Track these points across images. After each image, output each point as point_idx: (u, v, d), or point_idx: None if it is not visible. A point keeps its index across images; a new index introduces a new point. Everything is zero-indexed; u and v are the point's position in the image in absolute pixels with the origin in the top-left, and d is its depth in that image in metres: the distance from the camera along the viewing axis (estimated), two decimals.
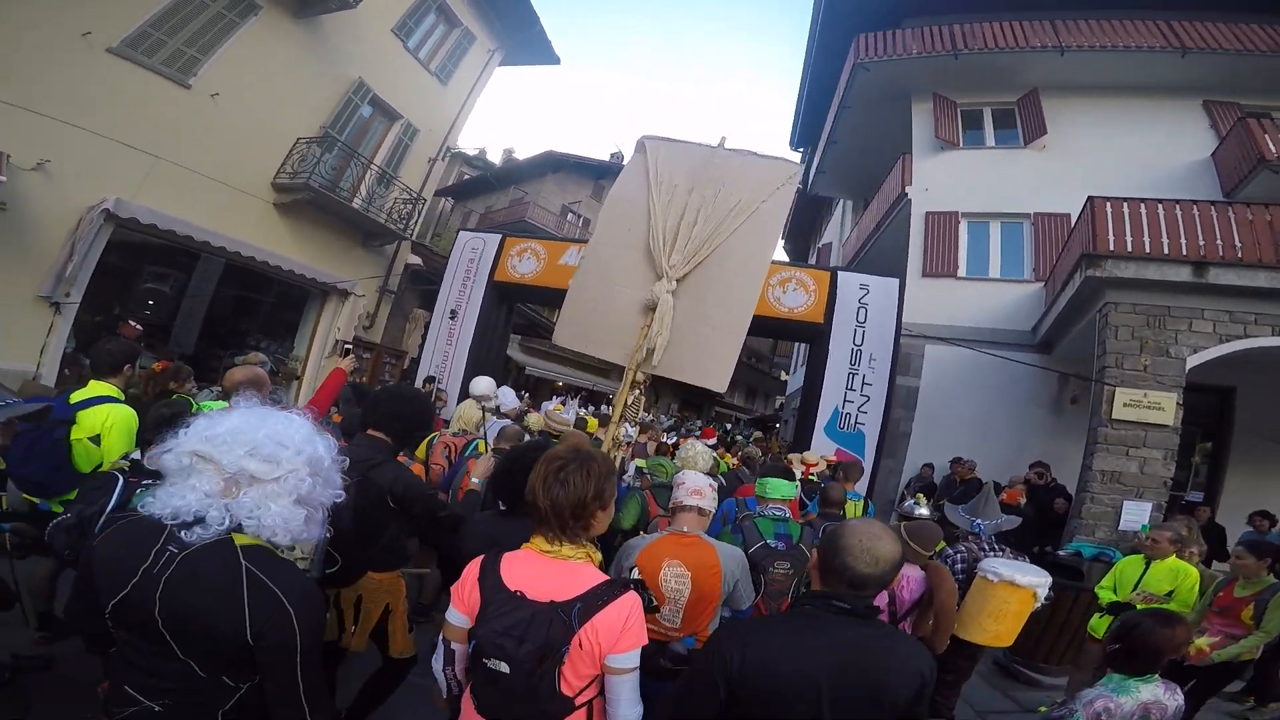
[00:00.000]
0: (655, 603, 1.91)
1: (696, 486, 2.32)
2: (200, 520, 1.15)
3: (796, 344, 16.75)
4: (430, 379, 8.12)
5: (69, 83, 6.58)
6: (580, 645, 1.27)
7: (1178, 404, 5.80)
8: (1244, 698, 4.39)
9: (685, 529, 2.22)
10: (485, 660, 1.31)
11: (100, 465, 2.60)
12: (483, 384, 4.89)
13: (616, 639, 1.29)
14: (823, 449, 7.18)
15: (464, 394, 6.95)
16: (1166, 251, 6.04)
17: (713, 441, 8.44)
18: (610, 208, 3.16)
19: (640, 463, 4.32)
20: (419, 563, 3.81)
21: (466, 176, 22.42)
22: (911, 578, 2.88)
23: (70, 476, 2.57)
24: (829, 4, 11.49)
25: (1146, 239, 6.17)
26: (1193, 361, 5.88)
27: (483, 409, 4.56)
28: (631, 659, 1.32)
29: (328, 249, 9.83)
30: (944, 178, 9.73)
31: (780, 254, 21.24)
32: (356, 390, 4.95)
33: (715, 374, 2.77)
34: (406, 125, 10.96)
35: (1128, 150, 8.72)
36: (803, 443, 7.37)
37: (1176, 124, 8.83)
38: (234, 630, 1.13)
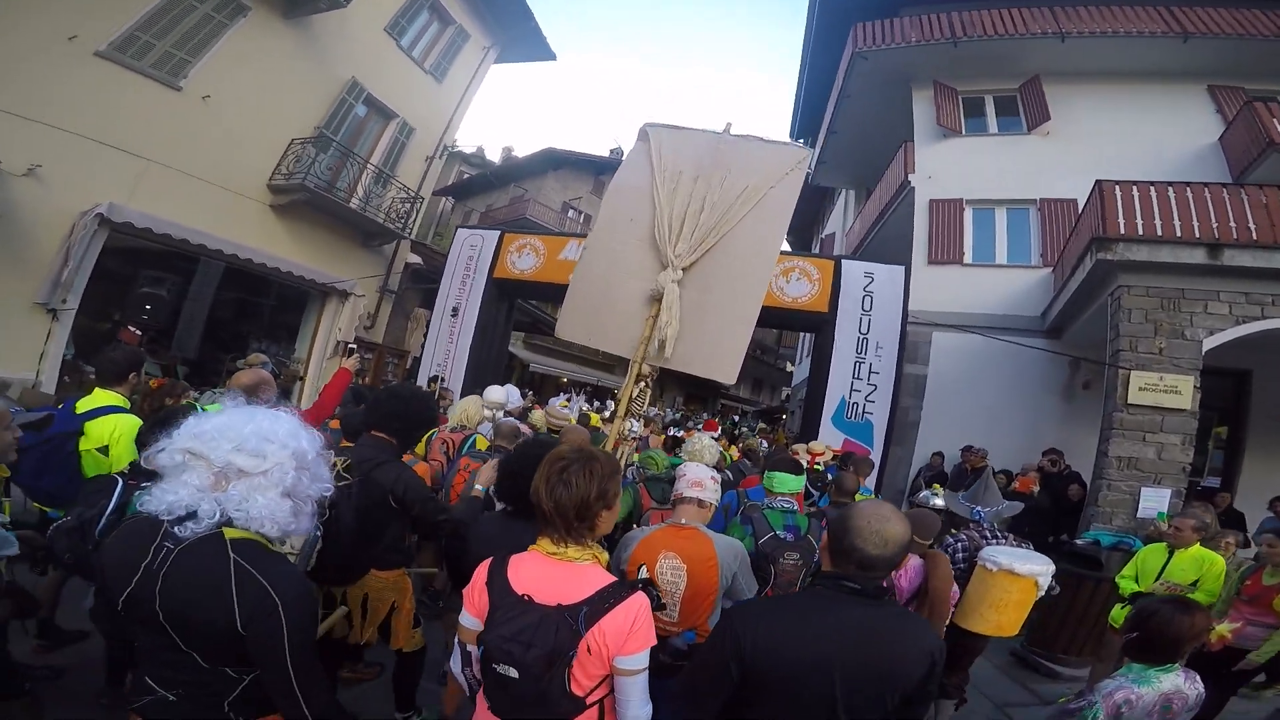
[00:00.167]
0: (662, 600, 1.93)
1: (697, 478, 2.31)
2: (193, 515, 1.20)
3: (802, 335, 16.67)
4: (435, 378, 8.09)
5: (57, 87, 6.50)
6: (588, 649, 1.26)
7: (1195, 387, 5.68)
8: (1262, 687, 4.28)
9: (684, 521, 2.21)
10: (494, 665, 1.30)
11: None
12: (499, 393, 4.88)
13: (624, 640, 1.28)
14: (830, 440, 7.10)
15: (465, 393, 6.95)
16: (1179, 234, 5.93)
17: (716, 434, 8.36)
18: (613, 197, 3.06)
19: (634, 456, 4.26)
20: (424, 563, 3.77)
21: (466, 175, 22.35)
22: (910, 566, 2.85)
23: (81, 487, 2.55)
24: None
25: (1158, 222, 6.07)
26: (1209, 344, 5.76)
27: (493, 415, 4.53)
28: (640, 660, 1.31)
29: (326, 250, 9.76)
30: (947, 165, 9.62)
31: (783, 245, 21.07)
32: (355, 392, 4.93)
33: (725, 365, 2.68)
34: (402, 124, 10.86)
35: (1134, 136, 8.62)
36: (810, 434, 7.29)
37: (1182, 109, 8.74)
38: (226, 621, 1.17)
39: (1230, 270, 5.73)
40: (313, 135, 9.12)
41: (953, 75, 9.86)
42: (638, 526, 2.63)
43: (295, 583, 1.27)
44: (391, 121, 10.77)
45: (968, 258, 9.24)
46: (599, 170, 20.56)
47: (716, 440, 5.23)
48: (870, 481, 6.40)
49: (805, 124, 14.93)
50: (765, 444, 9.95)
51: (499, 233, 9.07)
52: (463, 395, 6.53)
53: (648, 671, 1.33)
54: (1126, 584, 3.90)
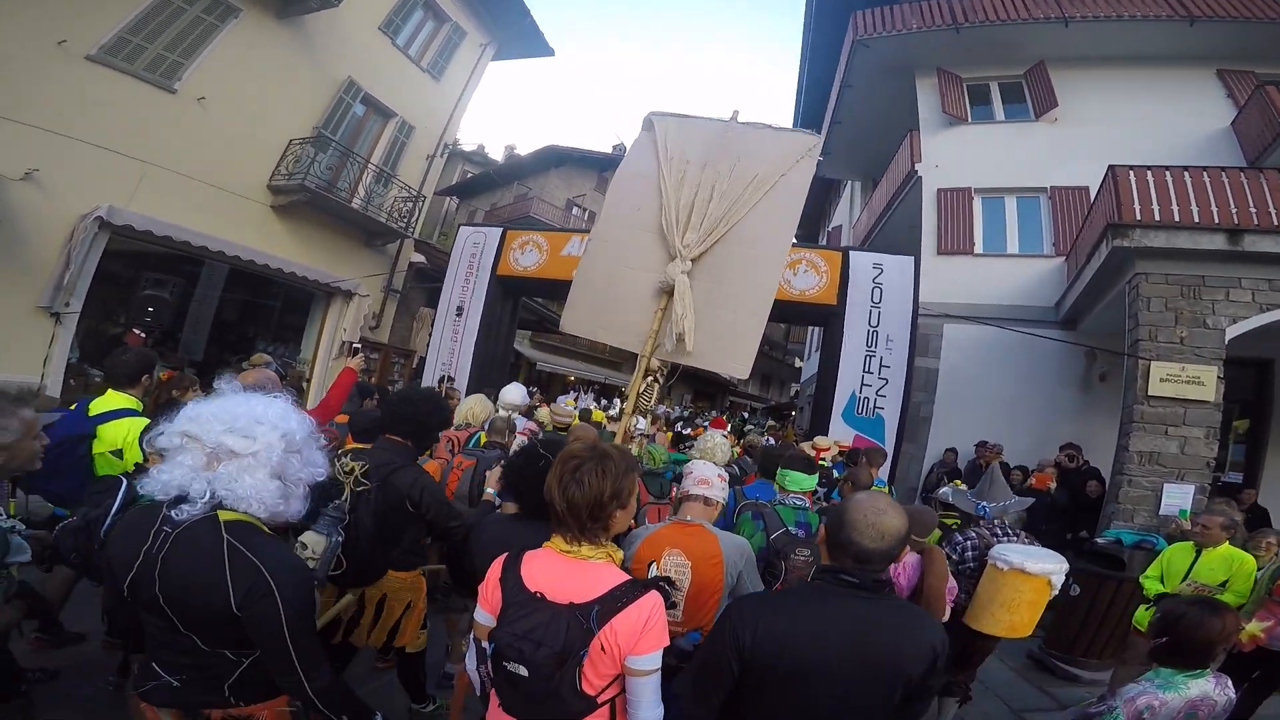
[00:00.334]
0: (674, 599, 1.97)
1: (704, 476, 2.30)
2: (186, 496, 1.25)
3: (811, 330, 16.51)
4: (444, 378, 8.06)
5: (49, 91, 6.48)
6: (600, 648, 1.24)
7: (1219, 377, 5.50)
8: None
9: (689, 518, 2.19)
10: (505, 663, 1.29)
11: None
12: (515, 394, 4.85)
13: (637, 640, 1.26)
14: (841, 436, 6.98)
15: (470, 392, 6.89)
16: (1197, 219, 5.76)
17: (724, 431, 8.26)
18: (618, 186, 2.95)
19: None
20: (432, 560, 3.71)
21: (470, 175, 22.32)
22: (908, 562, 2.78)
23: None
24: None
25: (1175, 207, 5.90)
26: (1232, 332, 5.58)
27: (509, 416, 4.48)
28: (652, 660, 1.29)
29: (329, 250, 9.73)
30: (954, 154, 9.45)
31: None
32: (360, 388, 4.90)
33: (736, 360, 2.58)
34: (401, 123, 10.81)
35: (1144, 121, 8.44)
36: (820, 431, 7.16)
37: (1192, 94, 8.56)
38: (221, 602, 1.20)
39: (1252, 256, 5.56)
40: (311, 135, 9.08)
41: (956, 62, 9.68)
42: (634, 522, 2.61)
43: (289, 563, 1.31)
44: (390, 120, 10.72)
45: (978, 248, 9.07)
46: (602, 167, 20.48)
47: (725, 438, 5.16)
48: (883, 473, 6.29)
49: (808, 115, 14.75)
50: (771, 441, 9.84)
51: (501, 230, 8.99)
52: (467, 394, 6.49)
53: (660, 673, 1.30)
54: (1151, 584, 3.76)
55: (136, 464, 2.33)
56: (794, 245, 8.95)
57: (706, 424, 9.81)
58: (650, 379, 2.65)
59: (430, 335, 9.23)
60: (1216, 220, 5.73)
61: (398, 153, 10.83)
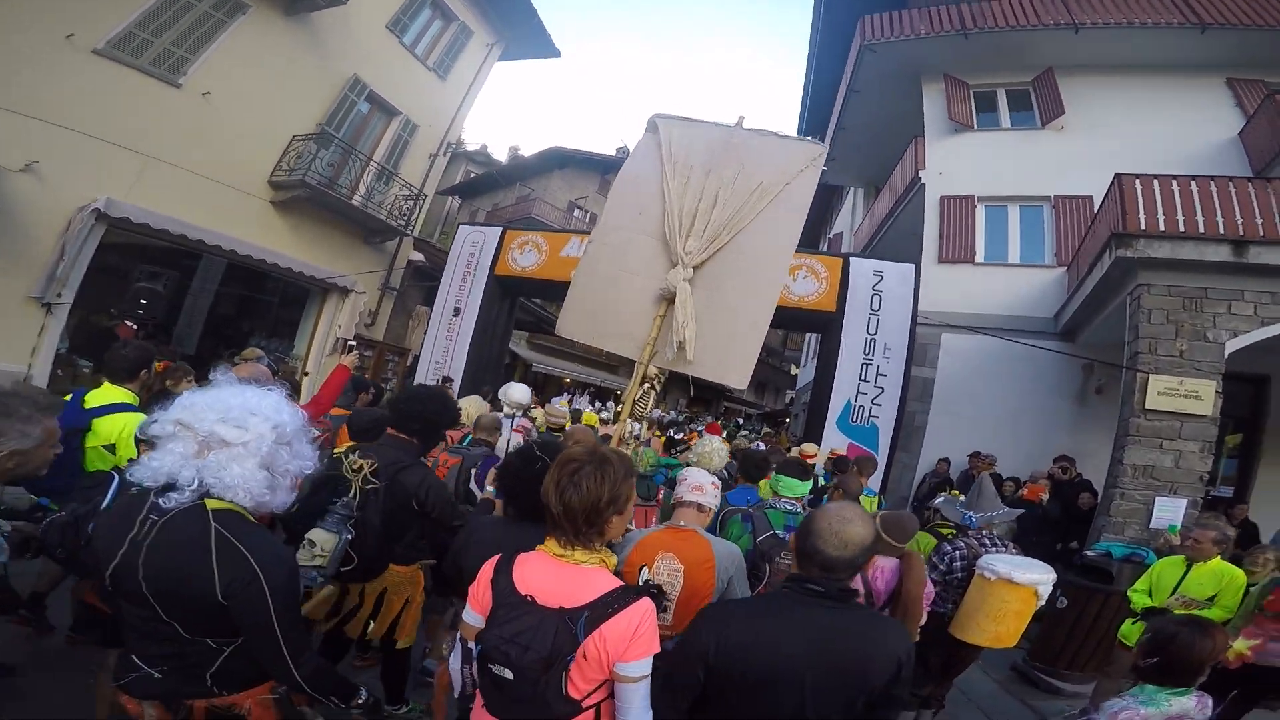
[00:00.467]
0: (667, 603, 2.01)
1: (697, 483, 2.31)
2: (174, 484, 1.25)
3: (808, 337, 16.51)
4: (445, 379, 8.05)
5: (55, 84, 6.47)
6: (585, 655, 1.23)
7: (1217, 392, 5.47)
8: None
9: (683, 524, 2.21)
10: (490, 665, 1.28)
11: None
12: (520, 393, 4.83)
13: (626, 647, 1.24)
14: (835, 443, 6.96)
15: (464, 392, 6.88)
16: (1202, 230, 5.72)
17: (720, 437, 8.23)
18: (620, 188, 2.92)
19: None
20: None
21: (473, 175, 22.30)
22: (886, 568, 2.75)
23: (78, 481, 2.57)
24: None
25: (1180, 217, 5.85)
26: (1232, 346, 5.55)
27: (513, 415, 4.46)
28: (641, 667, 1.27)
29: (328, 246, 9.68)
30: (958, 161, 9.43)
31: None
32: (355, 382, 4.88)
33: (735, 370, 2.55)
34: (405, 121, 10.78)
35: (1151, 130, 8.40)
36: (814, 438, 7.15)
37: (1200, 102, 8.51)
38: (206, 589, 1.21)
39: (1255, 269, 5.52)
40: (314, 132, 9.06)
41: (963, 68, 9.66)
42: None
43: (275, 552, 1.31)
44: (394, 119, 10.69)
45: (979, 256, 9.04)
46: (605, 169, 20.48)
47: (722, 443, 5.14)
48: (875, 482, 6.26)
49: (813, 120, 14.75)
50: (762, 446, 9.81)
51: (500, 229, 8.96)
52: (461, 394, 6.48)
53: (649, 680, 1.29)
54: (1139, 598, 3.72)
55: (130, 459, 2.28)
56: (795, 251, 8.94)
57: (700, 429, 9.78)
58: (647, 386, 2.62)
59: (425, 333, 9.20)
60: (1222, 231, 5.68)
61: (400, 151, 10.80)
